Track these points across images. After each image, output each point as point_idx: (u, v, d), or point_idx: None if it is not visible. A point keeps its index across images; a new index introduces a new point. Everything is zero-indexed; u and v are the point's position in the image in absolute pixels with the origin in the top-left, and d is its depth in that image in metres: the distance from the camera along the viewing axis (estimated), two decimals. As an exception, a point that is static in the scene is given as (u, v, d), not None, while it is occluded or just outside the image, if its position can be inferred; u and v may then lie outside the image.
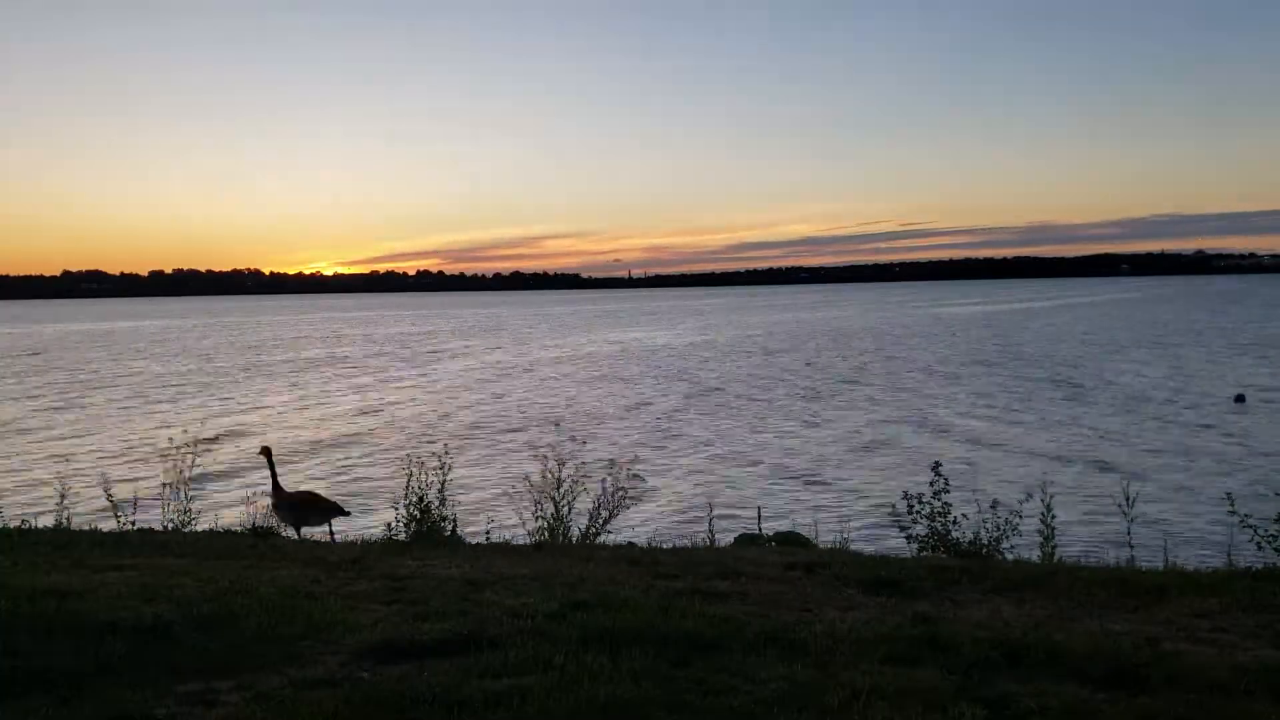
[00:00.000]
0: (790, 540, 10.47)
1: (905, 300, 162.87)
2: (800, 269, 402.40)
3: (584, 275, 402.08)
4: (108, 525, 10.36)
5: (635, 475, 10.32)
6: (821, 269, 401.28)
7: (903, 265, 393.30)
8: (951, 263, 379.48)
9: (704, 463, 22.95)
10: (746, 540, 10.50)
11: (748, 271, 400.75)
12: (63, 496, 10.70)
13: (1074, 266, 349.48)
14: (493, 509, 15.42)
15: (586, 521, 9.95)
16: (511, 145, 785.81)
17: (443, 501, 9.71)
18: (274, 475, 9.86)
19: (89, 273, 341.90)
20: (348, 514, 10.08)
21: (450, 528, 9.66)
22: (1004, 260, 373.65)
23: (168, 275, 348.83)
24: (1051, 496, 9.19)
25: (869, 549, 9.53)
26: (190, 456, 10.65)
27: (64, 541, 8.68)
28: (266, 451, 10.22)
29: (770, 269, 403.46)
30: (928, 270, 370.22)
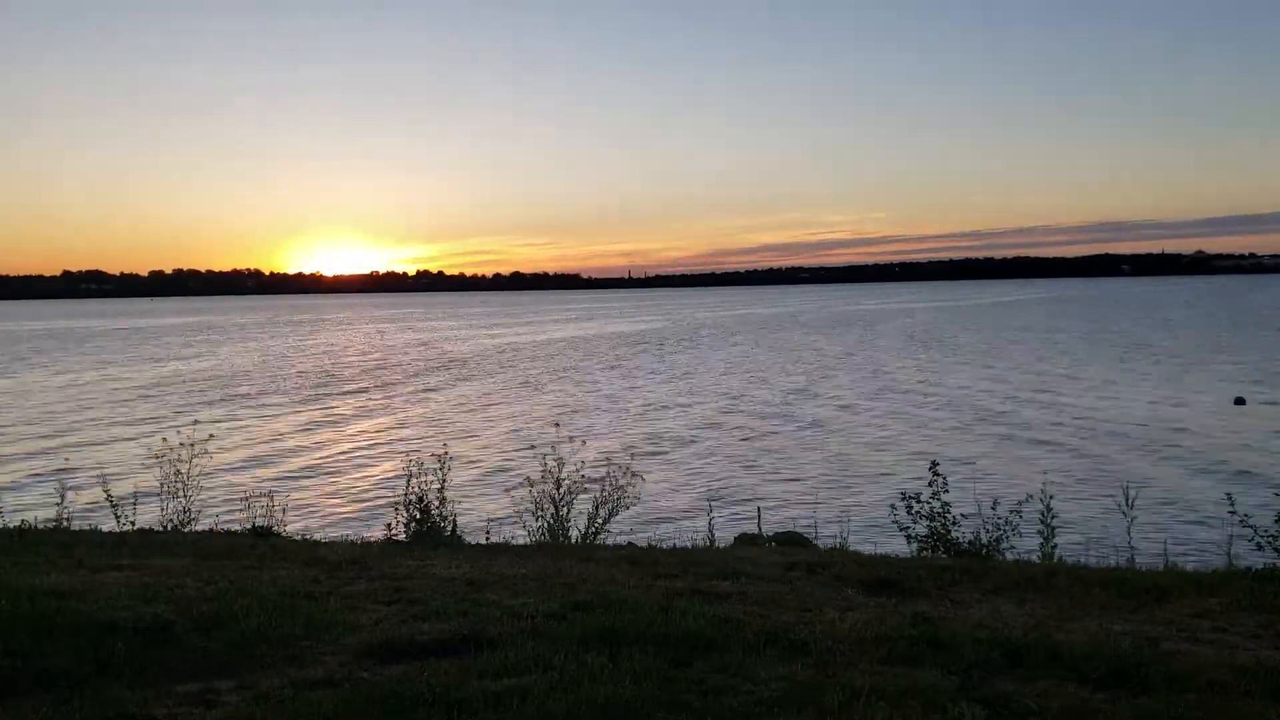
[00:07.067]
0: (790, 540, 10.45)
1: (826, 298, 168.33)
2: (800, 269, 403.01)
3: (584, 276, 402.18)
4: (108, 525, 10.36)
5: (635, 475, 10.32)
6: (821, 269, 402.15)
7: (902, 266, 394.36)
8: (951, 263, 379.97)
9: (704, 463, 22.96)
10: (746, 540, 10.49)
11: (746, 272, 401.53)
12: (62, 497, 10.69)
13: (1073, 267, 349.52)
14: (493, 509, 15.44)
15: (586, 521, 9.95)
16: (509, 147, 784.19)
17: (443, 502, 9.72)
18: None
19: (89, 273, 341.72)
20: None
21: (450, 528, 9.67)
22: (1004, 260, 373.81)
23: (168, 275, 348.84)
24: (1051, 497, 9.19)
25: (869, 549, 9.52)
26: (189, 457, 10.63)
27: (64, 541, 8.67)
28: None
29: (770, 269, 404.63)
30: (927, 271, 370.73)
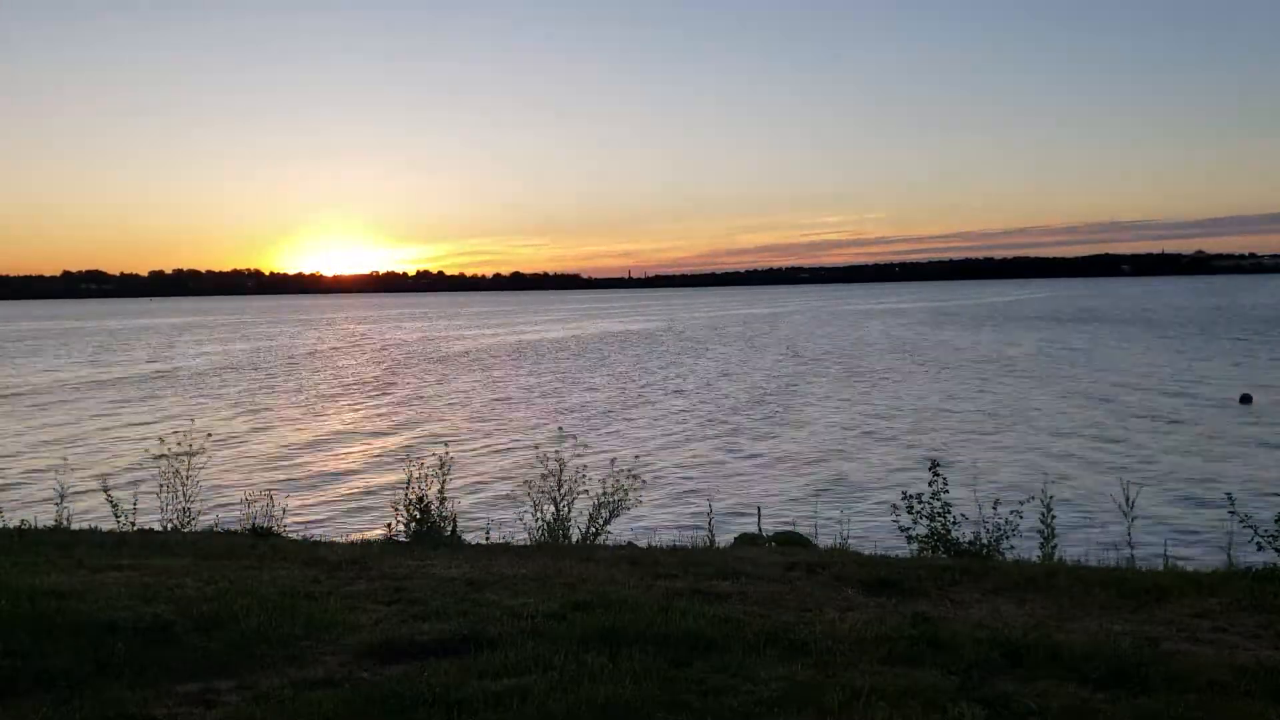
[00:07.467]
0: (790, 540, 10.46)
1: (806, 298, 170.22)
2: (800, 269, 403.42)
3: (584, 276, 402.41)
4: (108, 525, 10.36)
5: (635, 475, 10.32)
6: (821, 269, 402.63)
7: (902, 266, 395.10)
8: (950, 263, 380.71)
9: (704, 462, 22.95)
10: (746, 540, 10.50)
11: (746, 272, 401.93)
12: (62, 497, 10.69)
13: (1073, 267, 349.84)
14: (493, 509, 15.44)
15: (586, 521, 9.95)
16: (509, 147, 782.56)
17: (443, 502, 9.72)
18: None
19: (89, 273, 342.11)
20: None
21: (450, 528, 9.67)
22: (1004, 261, 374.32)
23: (168, 275, 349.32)
24: (1051, 497, 9.19)
25: (869, 549, 9.52)
26: (188, 457, 10.64)
27: (64, 541, 8.67)
28: None
29: (770, 269, 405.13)
30: (927, 271, 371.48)
